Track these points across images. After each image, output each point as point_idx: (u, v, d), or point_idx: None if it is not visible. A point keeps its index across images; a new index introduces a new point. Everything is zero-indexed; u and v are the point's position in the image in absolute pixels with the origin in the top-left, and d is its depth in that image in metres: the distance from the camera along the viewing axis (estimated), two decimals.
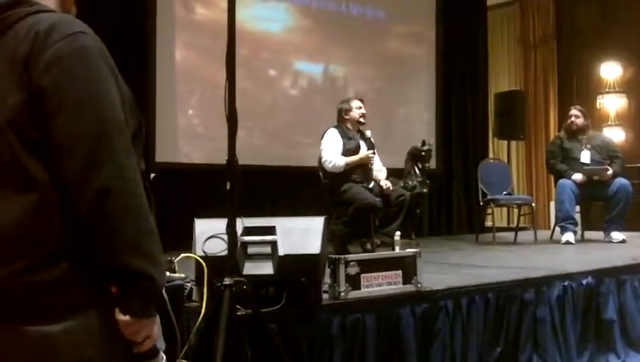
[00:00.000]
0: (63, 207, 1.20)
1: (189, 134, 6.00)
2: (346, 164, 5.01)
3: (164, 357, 1.36)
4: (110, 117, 1.21)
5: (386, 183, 5.13)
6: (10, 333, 1.19)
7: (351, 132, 5.21)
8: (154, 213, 1.31)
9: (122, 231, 1.19)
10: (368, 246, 4.94)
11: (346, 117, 5.25)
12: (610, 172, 5.93)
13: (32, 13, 1.26)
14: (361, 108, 5.24)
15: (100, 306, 1.22)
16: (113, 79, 1.26)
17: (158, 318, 1.32)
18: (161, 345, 1.36)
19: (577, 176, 5.97)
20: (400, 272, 2.97)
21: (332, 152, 5.06)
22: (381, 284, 2.91)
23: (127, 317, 1.22)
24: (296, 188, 6.20)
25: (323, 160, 5.09)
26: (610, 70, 8.30)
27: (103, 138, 1.19)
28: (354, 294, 2.80)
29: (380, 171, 5.28)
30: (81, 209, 1.18)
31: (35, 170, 1.19)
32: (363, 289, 2.84)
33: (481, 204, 6.43)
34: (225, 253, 2.36)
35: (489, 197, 6.28)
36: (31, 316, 1.18)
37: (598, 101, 8.37)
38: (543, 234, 6.59)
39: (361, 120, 5.24)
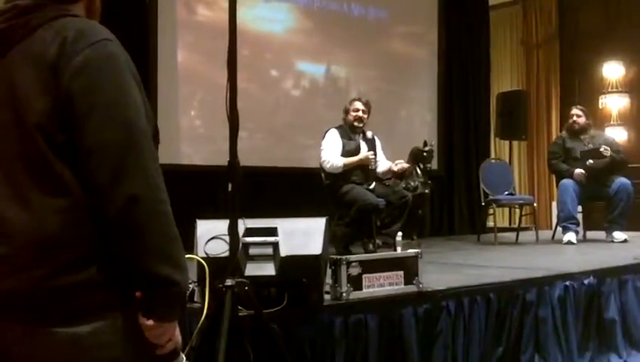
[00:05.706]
0: (91, 211, 1.20)
1: (190, 136, 6.00)
2: (345, 165, 5.01)
3: (185, 358, 1.37)
4: (137, 124, 1.23)
5: (397, 164, 5.16)
6: (38, 336, 1.20)
7: (352, 133, 5.21)
8: None
9: (149, 237, 1.20)
10: (370, 246, 4.94)
11: (345, 118, 5.26)
12: (608, 153, 5.87)
13: (57, 17, 1.26)
14: (358, 110, 5.19)
15: (125, 308, 1.23)
16: (137, 87, 1.28)
17: None
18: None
19: (578, 171, 5.95)
20: (402, 273, 2.97)
21: (330, 153, 5.06)
22: (383, 285, 2.91)
23: (150, 321, 1.23)
24: (297, 189, 6.19)
25: (322, 160, 5.10)
26: (613, 70, 8.29)
27: (132, 144, 1.20)
28: (356, 295, 2.81)
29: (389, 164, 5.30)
30: (109, 215, 1.19)
31: (65, 174, 1.20)
32: (365, 290, 2.85)
33: (483, 204, 6.42)
34: (227, 254, 2.37)
35: (491, 197, 6.28)
36: (59, 318, 1.19)
37: (600, 101, 8.36)
38: (545, 234, 6.59)
39: (356, 123, 5.19)
